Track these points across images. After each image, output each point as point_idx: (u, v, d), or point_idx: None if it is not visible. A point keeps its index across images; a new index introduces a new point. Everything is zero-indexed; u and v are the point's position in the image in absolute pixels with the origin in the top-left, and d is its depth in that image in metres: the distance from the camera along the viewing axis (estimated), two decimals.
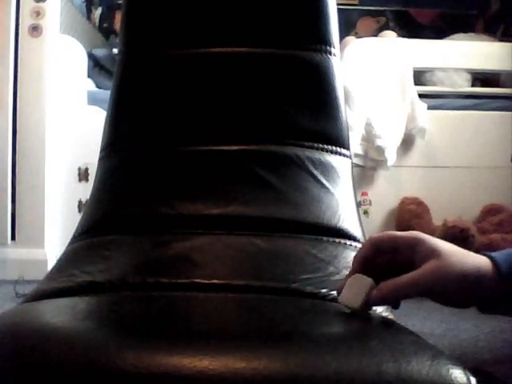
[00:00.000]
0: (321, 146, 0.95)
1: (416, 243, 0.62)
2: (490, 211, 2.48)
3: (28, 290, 0.86)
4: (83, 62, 2.40)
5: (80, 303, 0.65)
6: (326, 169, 0.93)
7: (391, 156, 2.45)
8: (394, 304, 0.64)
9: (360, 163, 2.45)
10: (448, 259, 0.60)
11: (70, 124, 2.19)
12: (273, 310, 0.64)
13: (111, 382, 0.45)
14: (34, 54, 2.03)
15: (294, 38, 0.98)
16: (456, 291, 0.60)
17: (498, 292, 0.60)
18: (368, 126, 2.42)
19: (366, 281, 0.61)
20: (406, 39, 2.78)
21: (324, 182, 0.92)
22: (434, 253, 0.60)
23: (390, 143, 2.44)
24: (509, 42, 2.70)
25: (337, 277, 0.75)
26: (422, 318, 1.73)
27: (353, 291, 0.61)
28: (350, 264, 0.79)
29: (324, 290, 0.71)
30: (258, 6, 0.99)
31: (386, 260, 0.64)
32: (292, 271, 0.75)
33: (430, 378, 0.47)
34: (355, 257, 0.65)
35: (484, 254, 0.62)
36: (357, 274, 0.62)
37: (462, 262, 0.60)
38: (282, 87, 0.97)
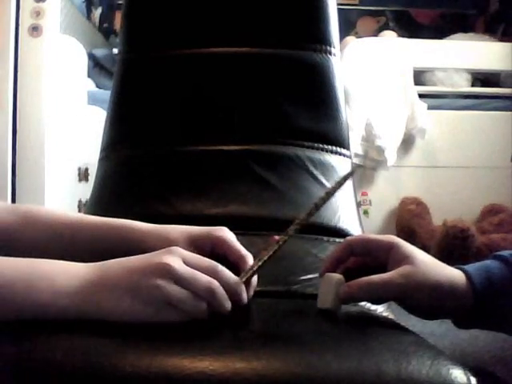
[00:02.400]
0: (321, 146, 0.95)
1: (391, 248, 0.60)
2: (490, 211, 2.48)
3: None
4: (83, 62, 2.40)
5: None
6: (326, 169, 0.93)
7: (391, 156, 2.45)
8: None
9: (360, 163, 2.46)
10: (422, 267, 0.59)
11: (70, 124, 2.19)
12: (273, 311, 0.64)
13: (111, 383, 0.45)
14: (33, 54, 2.03)
15: (293, 38, 0.98)
16: (426, 300, 0.58)
17: (472, 307, 0.59)
18: (368, 126, 2.42)
19: (336, 278, 0.60)
20: (406, 39, 2.78)
21: (324, 181, 0.92)
22: (408, 259, 0.59)
23: (389, 143, 2.44)
24: (509, 42, 2.70)
25: None
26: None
27: (324, 291, 0.60)
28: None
29: None
30: (258, 6, 0.99)
31: (359, 262, 0.63)
32: (292, 272, 0.75)
33: (429, 378, 0.47)
34: (327, 256, 0.64)
35: (458, 268, 0.61)
36: (327, 274, 0.61)
37: (436, 271, 0.59)
38: (281, 87, 0.97)
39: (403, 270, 0.58)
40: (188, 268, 0.51)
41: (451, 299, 0.59)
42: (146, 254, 0.53)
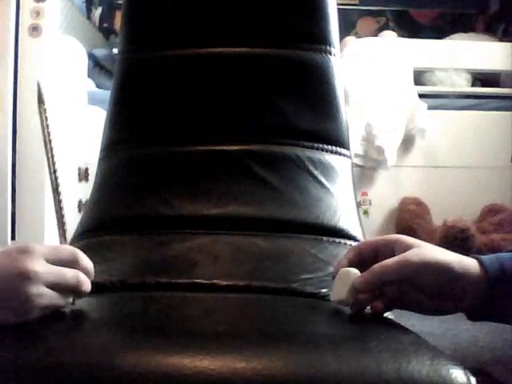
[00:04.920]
0: (321, 146, 0.95)
1: (395, 240, 0.61)
2: (490, 211, 2.48)
3: None
4: (83, 61, 2.40)
5: (80, 303, 0.65)
6: (326, 169, 0.93)
7: (391, 156, 2.45)
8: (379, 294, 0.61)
9: (360, 163, 2.46)
10: (432, 249, 0.60)
11: (70, 124, 2.19)
12: (273, 310, 0.64)
13: (111, 383, 0.45)
14: (33, 54, 2.03)
15: (294, 38, 0.98)
16: (439, 280, 0.58)
17: (485, 294, 0.58)
18: (368, 126, 2.42)
19: (352, 271, 0.61)
20: (406, 39, 2.78)
21: (324, 181, 0.92)
22: (414, 244, 0.60)
23: (389, 143, 2.44)
24: (509, 42, 2.70)
25: None
26: (421, 318, 1.73)
27: (339, 285, 0.61)
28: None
29: (324, 290, 0.71)
30: (258, 6, 0.99)
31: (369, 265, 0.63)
32: (292, 271, 0.75)
33: (429, 378, 0.47)
34: (338, 261, 0.64)
35: (472, 257, 0.61)
36: (343, 269, 0.62)
37: (447, 253, 0.60)
38: (281, 87, 0.97)
39: (415, 250, 0.59)
40: (53, 268, 0.53)
41: (463, 283, 0.58)
42: (4, 255, 0.52)
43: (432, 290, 0.59)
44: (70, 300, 0.56)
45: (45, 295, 0.51)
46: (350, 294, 0.60)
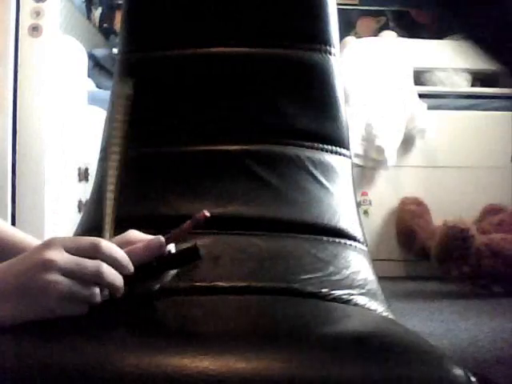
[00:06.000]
0: (321, 146, 0.95)
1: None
2: (490, 211, 2.48)
3: None
4: (83, 62, 2.40)
5: None
6: (326, 169, 0.93)
7: (391, 156, 2.46)
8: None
9: (360, 163, 2.46)
10: None
11: (70, 124, 2.19)
12: (273, 311, 0.64)
13: (111, 383, 0.45)
14: (34, 54, 2.03)
15: (294, 38, 0.98)
16: None
17: None
18: (368, 126, 2.43)
19: None
20: (405, 39, 2.78)
21: (324, 181, 0.92)
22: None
23: (389, 143, 2.44)
24: None
25: (337, 276, 0.75)
26: (422, 318, 1.74)
27: None
28: (350, 264, 0.79)
29: (324, 290, 0.71)
30: (258, 5, 0.99)
31: None
32: (292, 271, 0.75)
33: (430, 377, 0.47)
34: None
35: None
36: None
37: None
38: (281, 87, 0.97)
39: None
40: (71, 257, 0.52)
41: None
42: (26, 253, 0.54)
43: None
44: (106, 293, 0.54)
45: (61, 283, 0.51)
46: None
